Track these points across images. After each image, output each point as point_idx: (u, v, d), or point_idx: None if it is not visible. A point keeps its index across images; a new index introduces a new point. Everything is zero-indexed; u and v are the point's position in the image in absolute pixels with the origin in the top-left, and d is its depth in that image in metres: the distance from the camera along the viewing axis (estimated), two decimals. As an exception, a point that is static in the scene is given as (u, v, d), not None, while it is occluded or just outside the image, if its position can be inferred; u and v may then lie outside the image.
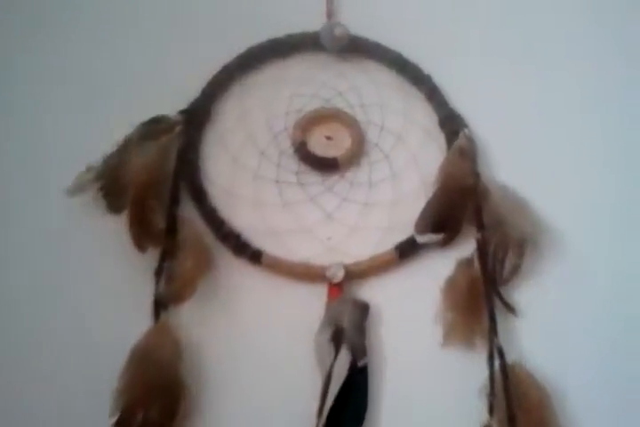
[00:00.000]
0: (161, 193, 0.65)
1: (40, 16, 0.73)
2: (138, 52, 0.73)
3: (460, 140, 0.69)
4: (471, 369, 0.62)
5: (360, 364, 0.61)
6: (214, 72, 0.71)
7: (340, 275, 0.64)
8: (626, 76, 0.73)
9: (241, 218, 0.68)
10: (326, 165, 0.70)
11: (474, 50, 0.74)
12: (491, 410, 0.59)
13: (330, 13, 0.74)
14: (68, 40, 0.72)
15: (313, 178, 0.70)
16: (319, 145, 0.71)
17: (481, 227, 0.65)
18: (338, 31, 0.72)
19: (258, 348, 0.64)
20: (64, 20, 0.73)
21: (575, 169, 0.70)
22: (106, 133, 0.66)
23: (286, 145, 0.70)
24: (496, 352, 0.61)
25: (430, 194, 0.67)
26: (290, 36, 0.73)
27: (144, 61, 0.73)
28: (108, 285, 0.64)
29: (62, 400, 0.62)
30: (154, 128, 0.67)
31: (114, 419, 0.57)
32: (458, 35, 0.74)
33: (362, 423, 0.60)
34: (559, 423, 0.60)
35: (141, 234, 0.63)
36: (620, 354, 0.64)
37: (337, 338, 0.61)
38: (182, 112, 0.69)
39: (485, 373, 0.61)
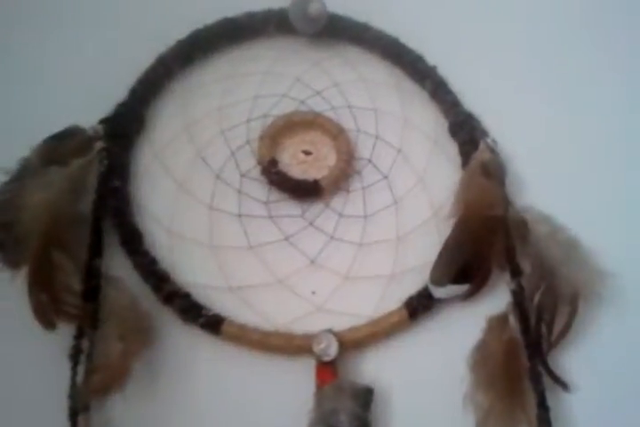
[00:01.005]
0: (74, 241, 0.46)
1: None
2: (42, 39, 0.54)
3: (482, 154, 0.52)
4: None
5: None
6: (147, 66, 0.53)
7: (331, 352, 0.46)
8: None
9: (192, 270, 0.49)
10: (305, 191, 0.52)
11: (492, 36, 0.58)
12: None
13: (301, -15, 0.56)
14: None
15: (288, 209, 0.52)
16: (294, 163, 0.53)
17: (517, 273, 0.48)
18: (313, 7, 0.55)
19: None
20: None
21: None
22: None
23: (250, 164, 0.52)
24: (548, 444, 0.45)
25: (447, 229, 0.50)
26: (249, 15, 0.56)
27: (50, 52, 0.54)
28: (6, 379, 0.45)
29: None
30: (63, 146, 0.49)
31: None
32: (472, 14, 0.58)
33: None
34: None
35: (48, 304, 0.44)
36: None
37: (334, 435, 0.44)
38: (103, 122, 0.50)
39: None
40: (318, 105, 0.55)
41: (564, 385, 0.48)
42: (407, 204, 0.53)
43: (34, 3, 0.56)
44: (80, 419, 0.44)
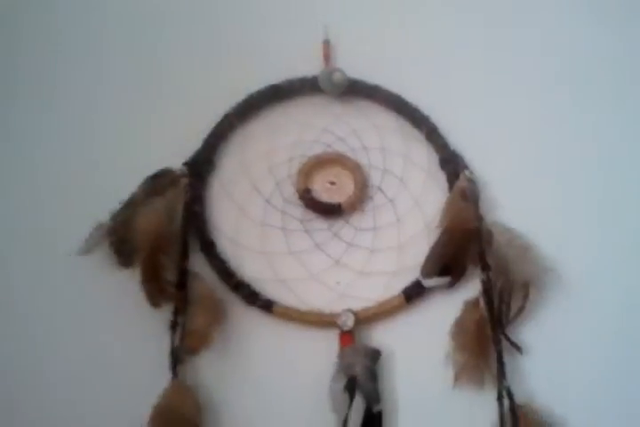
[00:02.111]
0: (170, 248, 0.66)
1: (38, 82, 0.74)
2: (137, 104, 0.74)
3: (461, 182, 0.70)
4: (481, 410, 0.64)
5: (375, 410, 0.63)
6: (215, 121, 0.72)
7: (350, 323, 0.65)
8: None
9: (250, 268, 0.69)
10: (331, 211, 0.71)
11: (473, 91, 0.76)
12: (503, 450, 0.61)
13: (327, 57, 0.76)
14: (66, 98, 0.74)
15: (318, 224, 0.71)
16: (323, 191, 0.72)
17: (485, 269, 0.67)
18: (336, 76, 0.74)
19: (274, 398, 0.66)
20: (62, 84, 0.75)
21: (578, 209, 0.72)
22: (111, 190, 0.68)
23: (290, 192, 0.72)
24: (505, 393, 0.63)
25: (434, 237, 0.68)
26: (289, 82, 0.75)
27: (144, 114, 0.74)
28: (125, 341, 0.66)
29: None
30: (159, 182, 0.69)
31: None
32: (457, 76, 0.76)
33: (379, 469, 0.62)
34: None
35: (154, 290, 0.65)
36: (627, 391, 0.66)
37: (351, 386, 0.63)
38: (186, 164, 0.70)
39: (495, 414, 0.63)
40: (340, 147, 0.73)
41: (518, 348, 0.66)
42: (406, 220, 0.71)
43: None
44: (178, 369, 0.64)
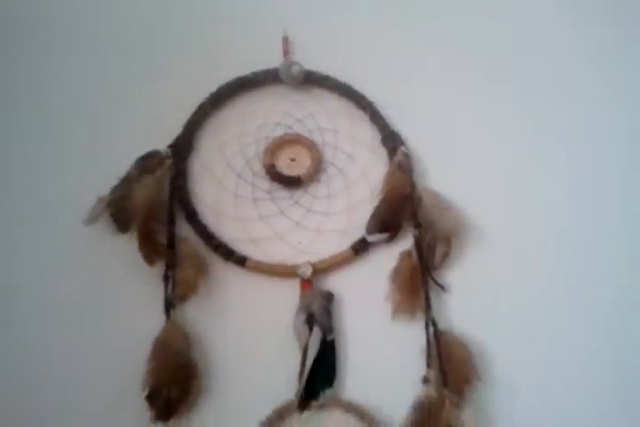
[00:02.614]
0: (160, 216, 0.81)
1: (40, 71, 0.87)
2: (128, 97, 0.88)
3: (399, 156, 0.85)
4: (413, 336, 0.81)
5: (329, 339, 0.79)
6: (192, 110, 0.86)
7: (308, 273, 0.81)
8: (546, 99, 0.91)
9: (226, 231, 0.84)
10: (292, 183, 0.86)
11: (412, 79, 0.91)
12: (428, 365, 0.79)
13: (286, 52, 0.89)
14: (74, 91, 0.87)
15: (282, 194, 0.86)
16: (285, 166, 0.87)
17: (417, 226, 0.83)
18: (294, 68, 0.87)
19: (248, 333, 0.81)
20: (65, 74, 0.88)
21: (493, 177, 0.88)
22: (108, 169, 0.81)
23: (258, 168, 0.86)
24: (430, 322, 0.80)
25: (376, 202, 0.84)
26: (254, 74, 0.88)
27: (133, 105, 0.88)
28: (127, 292, 0.81)
29: (99, 383, 0.79)
30: (148, 162, 0.83)
31: (145, 393, 0.75)
32: (396, 67, 0.91)
33: (332, 384, 0.79)
34: (477, 374, 0.79)
35: (149, 251, 0.80)
36: (526, 319, 0.84)
37: (310, 321, 0.79)
38: (170, 147, 0.84)
39: (424, 338, 0.80)
40: (299, 128, 0.87)
41: (442, 288, 0.82)
42: (354, 188, 0.86)
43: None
44: (171, 313, 0.79)
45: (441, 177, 0.87)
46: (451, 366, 0.78)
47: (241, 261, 0.83)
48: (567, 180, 0.90)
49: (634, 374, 0.84)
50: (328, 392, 0.78)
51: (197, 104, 0.87)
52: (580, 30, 0.95)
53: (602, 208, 0.89)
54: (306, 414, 0.78)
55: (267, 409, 0.78)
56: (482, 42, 0.93)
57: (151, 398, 0.76)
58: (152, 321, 0.79)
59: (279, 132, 0.88)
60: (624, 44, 0.94)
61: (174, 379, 0.76)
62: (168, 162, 0.83)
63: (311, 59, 0.88)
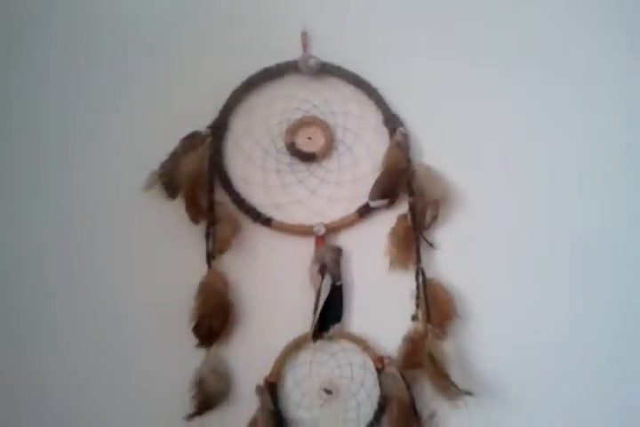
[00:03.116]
0: (202, 185, 0.99)
1: (96, 53, 1.04)
2: (175, 84, 1.04)
3: (397, 136, 1.01)
4: (406, 283, 0.99)
5: (337, 284, 0.98)
6: (227, 96, 1.02)
7: (322, 231, 1.00)
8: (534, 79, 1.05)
9: (255, 197, 1.02)
10: (309, 158, 1.03)
11: (411, 70, 1.05)
12: (417, 306, 0.98)
13: (304, 45, 1.04)
14: (140, 77, 1.03)
15: (300, 167, 1.03)
16: (303, 143, 1.03)
17: (411, 194, 1.00)
18: (311, 61, 1.03)
19: (272, 279, 1.00)
20: (121, 62, 1.04)
21: (476, 154, 1.04)
22: (159, 146, 0.99)
23: (281, 145, 1.03)
24: (420, 272, 0.98)
25: (378, 174, 1.01)
26: (277, 65, 1.03)
27: (179, 92, 1.04)
28: (177, 246, 1.00)
29: (155, 318, 0.99)
30: (191, 140, 0.99)
31: (192, 325, 0.96)
32: (399, 59, 1.05)
33: (340, 320, 0.98)
34: (457, 313, 0.98)
35: (194, 213, 0.98)
36: (501, 267, 1.02)
37: (322, 270, 0.98)
38: (209, 127, 1.01)
39: (414, 285, 0.99)
40: (315, 112, 1.03)
41: (431, 245, 1.00)
42: (360, 163, 1.03)
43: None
44: (211, 263, 0.99)
45: (433, 153, 1.03)
46: (435, 307, 0.97)
47: (267, 222, 1.01)
48: (547, 153, 1.05)
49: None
50: (336, 327, 0.98)
51: (231, 91, 1.03)
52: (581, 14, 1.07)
53: (575, 176, 1.05)
54: (318, 343, 0.98)
55: (286, 339, 0.98)
56: (480, 31, 1.05)
57: (197, 328, 0.96)
58: (197, 269, 0.98)
59: (298, 115, 1.03)
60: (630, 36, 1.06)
61: (214, 313, 0.97)
62: (208, 140, 1.00)
63: (326, 51, 1.03)
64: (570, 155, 1.05)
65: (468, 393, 0.93)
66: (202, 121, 1.01)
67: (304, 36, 1.04)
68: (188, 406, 0.96)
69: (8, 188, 1.02)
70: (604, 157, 1.05)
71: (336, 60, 1.04)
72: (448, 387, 0.93)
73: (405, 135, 1.02)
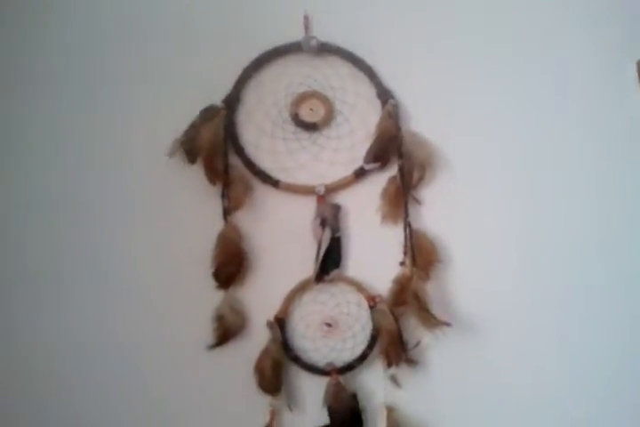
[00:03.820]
0: (218, 151, 1.14)
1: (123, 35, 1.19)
2: (193, 63, 1.19)
3: (388, 107, 1.16)
4: (395, 235, 1.14)
5: (336, 236, 1.14)
6: (239, 73, 1.16)
7: (322, 190, 1.15)
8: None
9: (265, 161, 1.17)
10: (310, 127, 1.18)
11: (402, 50, 1.19)
12: (405, 253, 1.14)
13: (306, 27, 1.18)
14: (162, 56, 1.18)
15: (304, 135, 1.18)
16: (306, 115, 1.18)
17: (400, 157, 1.15)
18: (312, 41, 1.17)
19: (280, 232, 1.16)
20: (140, 41, 1.19)
21: (459, 122, 1.18)
22: (179, 118, 1.14)
23: (286, 116, 1.17)
24: (407, 225, 1.14)
25: (372, 141, 1.16)
26: (283, 45, 1.17)
27: (196, 69, 1.18)
28: (196, 204, 1.16)
29: (179, 264, 1.15)
30: (208, 112, 1.14)
31: (212, 270, 1.12)
32: (390, 40, 1.19)
33: (339, 266, 1.14)
34: (439, 260, 1.14)
35: (212, 175, 1.13)
36: (483, 218, 1.17)
37: (323, 223, 1.13)
38: (223, 101, 1.16)
39: (402, 236, 1.14)
40: (316, 87, 1.17)
41: (418, 201, 1.15)
42: (356, 131, 1.17)
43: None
44: (227, 218, 1.15)
45: (420, 122, 1.17)
46: (420, 254, 1.12)
47: (275, 183, 1.16)
48: (528, 119, 1.18)
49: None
50: (335, 271, 1.14)
51: (242, 69, 1.17)
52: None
53: (553, 140, 1.19)
54: (320, 285, 1.14)
55: (293, 282, 1.15)
56: (468, 5, 1.19)
57: (216, 273, 1.13)
58: (215, 224, 1.14)
59: (301, 89, 1.17)
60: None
61: (231, 260, 1.13)
62: (222, 112, 1.15)
63: (326, 33, 1.17)
64: (553, 120, 1.19)
65: (447, 324, 1.09)
66: (217, 95, 1.16)
67: (306, 19, 1.18)
68: (210, 339, 1.13)
69: (34, 151, 1.16)
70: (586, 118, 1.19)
71: (335, 40, 1.18)
72: (429, 319, 1.09)
73: (395, 106, 1.16)
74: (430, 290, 1.12)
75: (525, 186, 1.19)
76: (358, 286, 1.15)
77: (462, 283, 1.16)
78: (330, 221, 1.14)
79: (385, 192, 1.16)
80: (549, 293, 1.17)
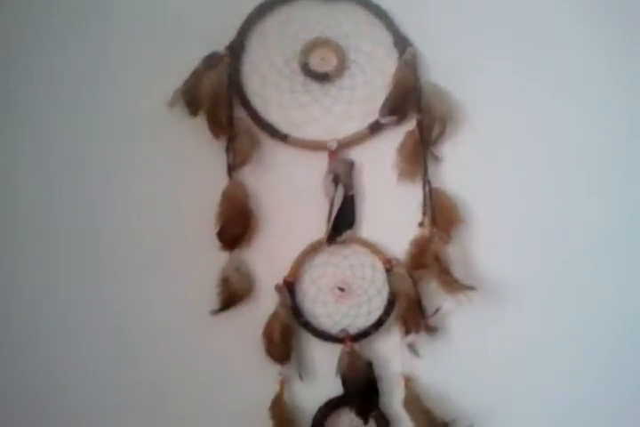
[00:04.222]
0: (222, 102, 1.05)
1: None
2: (194, 9, 1.09)
3: (406, 55, 1.07)
4: (413, 193, 1.06)
5: (349, 194, 1.06)
6: (243, 19, 1.07)
7: (335, 145, 1.07)
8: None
9: (272, 114, 1.08)
10: (322, 77, 1.09)
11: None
12: (424, 213, 1.06)
13: (317, -29, 1.10)
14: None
15: (314, 86, 1.09)
16: (316, 64, 1.09)
17: (419, 110, 1.06)
18: None
19: (289, 190, 1.07)
20: None
21: (483, 72, 1.09)
22: (180, 66, 1.05)
23: (295, 65, 1.08)
24: (427, 182, 1.06)
25: (388, 92, 1.07)
26: None
27: (201, 15, 1.08)
28: (198, 159, 1.07)
29: (182, 222, 1.07)
30: (211, 60, 1.05)
31: (216, 230, 1.04)
32: None
33: (352, 226, 1.07)
34: (461, 220, 1.06)
35: (215, 127, 1.04)
36: (504, 177, 1.10)
37: (336, 180, 1.05)
38: (227, 48, 1.06)
39: (421, 195, 1.07)
40: (328, 34, 1.08)
41: (436, 157, 1.07)
42: (372, 82, 1.08)
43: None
44: (232, 174, 1.06)
45: (441, 73, 1.08)
46: (440, 214, 1.05)
47: (283, 137, 1.08)
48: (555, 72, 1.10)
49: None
50: (348, 232, 1.06)
51: (247, 14, 1.08)
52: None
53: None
54: (332, 247, 1.07)
55: (303, 244, 1.07)
56: None
57: (220, 233, 1.05)
58: (219, 181, 1.05)
59: (312, 36, 1.08)
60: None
61: (236, 220, 1.05)
62: (226, 60, 1.06)
63: None
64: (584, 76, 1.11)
65: (471, 288, 1.02)
66: (221, 42, 1.07)
67: (315, -36, 1.08)
68: (214, 303, 1.05)
69: (30, 103, 1.08)
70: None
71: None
72: (451, 284, 1.02)
73: (414, 55, 1.07)
74: (451, 253, 1.05)
75: (554, 142, 1.10)
76: (373, 248, 1.07)
77: (485, 245, 1.08)
78: (343, 178, 1.06)
79: (402, 148, 1.08)
80: (580, 254, 1.10)
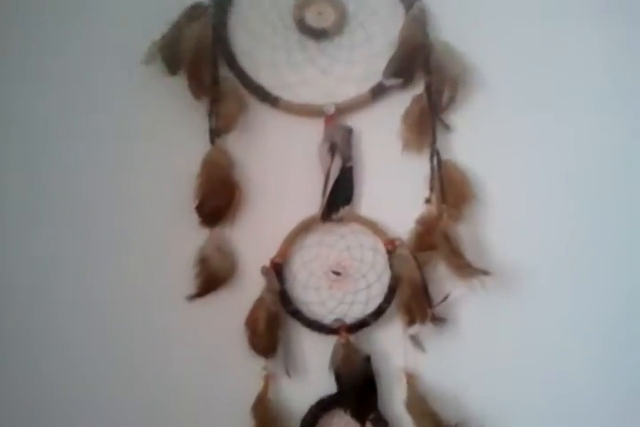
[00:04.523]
0: (205, 59, 0.93)
1: None
2: None
3: (414, 10, 0.95)
4: (419, 166, 0.95)
5: (347, 165, 0.94)
6: None
7: (332, 109, 0.94)
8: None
9: (262, 75, 0.96)
10: (319, 34, 0.97)
11: None
12: (431, 189, 0.94)
13: None
14: None
15: (310, 44, 0.97)
16: (312, 19, 0.97)
17: (428, 72, 0.94)
18: None
19: (280, 160, 0.96)
20: None
21: (499, 28, 0.98)
22: (160, 16, 0.93)
23: (289, 20, 0.97)
24: (435, 153, 0.94)
25: (393, 51, 0.95)
26: None
27: None
28: (177, 123, 0.95)
29: (161, 198, 0.95)
30: (194, 11, 0.93)
31: (195, 204, 0.91)
32: None
33: (350, 202, 0.95)
34: (472, 193, 0.94)
35: (197, 88, 0.92)
36: (517, 151, 0.98)
37: (332, 149, 0.93)
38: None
39: (428, 168, 0.94)
40: None
41: (447, 126, 0.95)
42: (374, 39, 0.97)
43: None
44: (215, 141, 0.94)
45: (452, 31, 0.97)
46: (450, 188, 0.93)
47: (275, 101, 0.96)
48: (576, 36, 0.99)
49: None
50: (346, 208, 0.94)
51: (236, -38, 0.96)
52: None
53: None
54: (327, 225, 0.95)
55: (294, 221, 0.94)
56: None
57: (200, 207, 0.92)
58: (200, 147, 0.93)
59: (308, -11, 0.97)
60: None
61: (218, 192, 0.92)
62: (210, 11, 0.94)
63: None
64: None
65: (485, 273, 0.90)
66: (205, -7, 0.95)
67: None
68: (192, 288, 0.93)
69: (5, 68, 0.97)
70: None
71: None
72: (463, 266, 0.90)
73: (422, 9, 0.96)
74: (462, 232, 0.93)
75: (577, 112, 0.99)
76: (373, 227, 0.95)
77: (500, 224, 0.96)
78: (340, 147, 0.94)
79: (408, 115, 0.96)
80: (608, 235, 0.98)
